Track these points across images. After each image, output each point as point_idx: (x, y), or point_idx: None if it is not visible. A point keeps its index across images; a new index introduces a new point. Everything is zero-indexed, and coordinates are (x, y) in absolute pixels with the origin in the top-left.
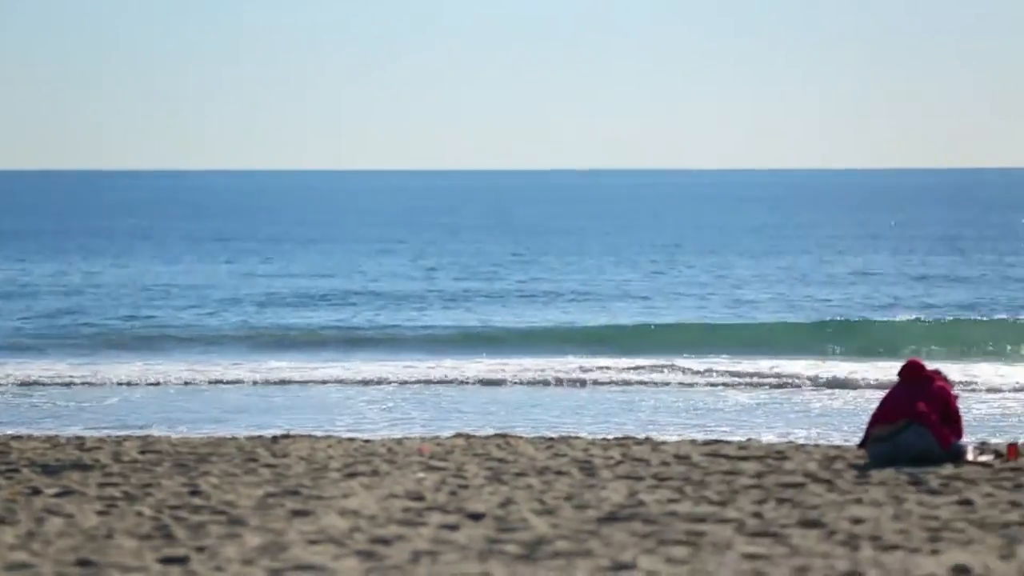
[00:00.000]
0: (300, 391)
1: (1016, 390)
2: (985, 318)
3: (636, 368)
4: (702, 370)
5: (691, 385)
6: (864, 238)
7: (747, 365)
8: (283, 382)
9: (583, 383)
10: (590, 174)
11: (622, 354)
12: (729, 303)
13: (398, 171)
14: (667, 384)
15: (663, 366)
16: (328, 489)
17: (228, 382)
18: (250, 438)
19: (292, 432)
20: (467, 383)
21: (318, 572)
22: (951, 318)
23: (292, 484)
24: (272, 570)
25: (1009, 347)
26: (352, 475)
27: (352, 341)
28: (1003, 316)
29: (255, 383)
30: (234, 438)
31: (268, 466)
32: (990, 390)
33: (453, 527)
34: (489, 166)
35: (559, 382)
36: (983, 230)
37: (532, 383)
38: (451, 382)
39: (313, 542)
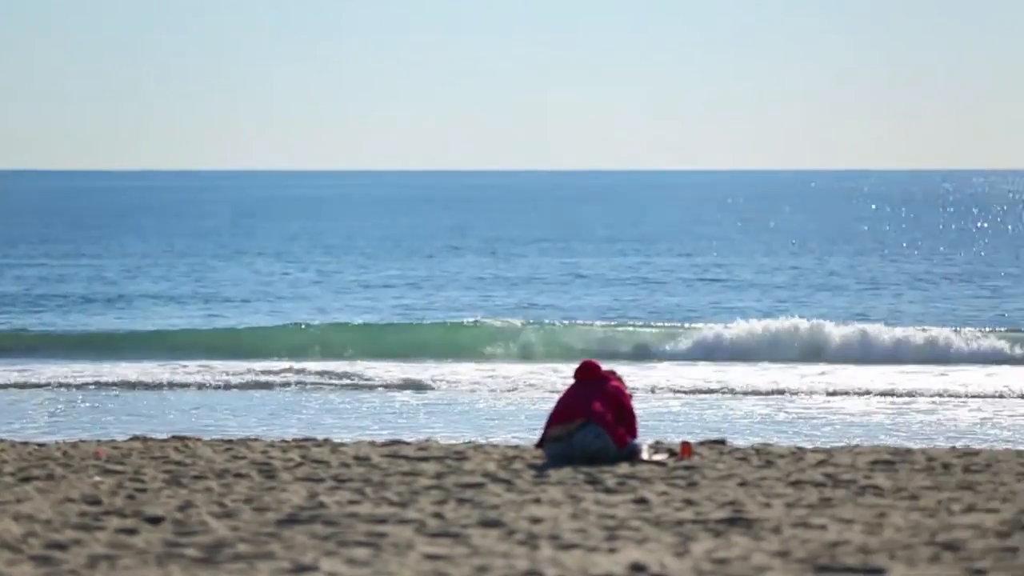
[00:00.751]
0: None
1: (683, 392)
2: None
3: (298, 371)
4: (365, 373)
5: (356, 387)
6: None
7: (408, 367)
8: None
9: (253, 385)
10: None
11: (281, 356)
12: (393, 304)
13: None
14: (332, 386)
15: (326, 371)
16: (1, 494)
17: None
18: None
19: None
20: (138, 386)
21: None
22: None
23: None
24: None
25: (638, 348)
26: (26, 479)
27: (15, 343)
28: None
29: None
30: None
31: None
32: (659, 390)
33: (131, 531)
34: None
35: (238, 385)
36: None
37: (201, 386)
38: (123, 385)
39: None
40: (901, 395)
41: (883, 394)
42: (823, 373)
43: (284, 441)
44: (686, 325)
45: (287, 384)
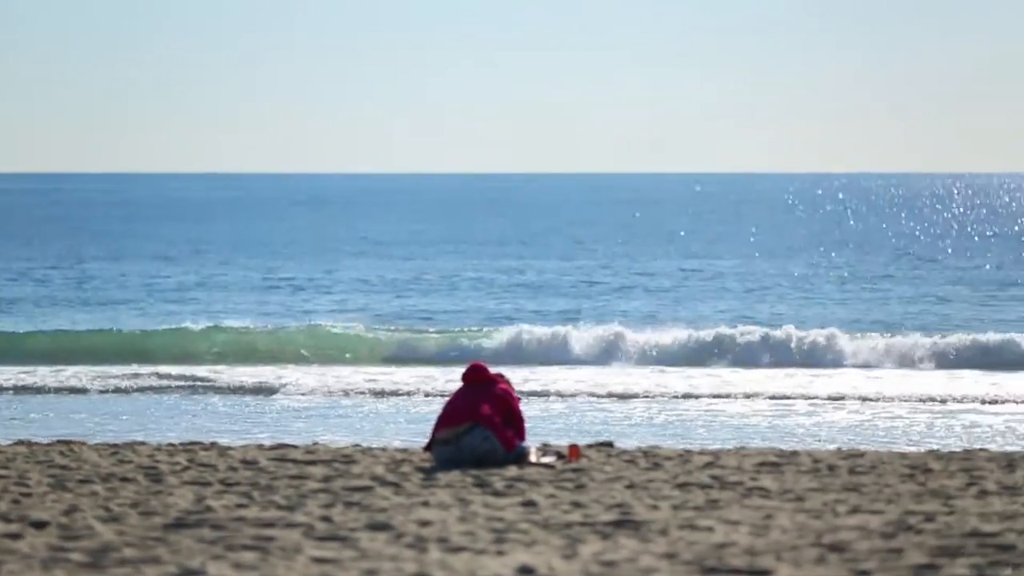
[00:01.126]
0: None
1: (570, 395)
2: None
3: (179, 375)
4: (246, 376)
5: (239, 391)
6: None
7: (290, 371)
8: None
9: (136, 389)
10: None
11: (164, 360)
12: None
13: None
14: (214, 389)
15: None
16: None
17: None
18: None
19: None
20: (21, 389)
21: None
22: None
23: None
24: None
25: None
26: None
27: None
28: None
29: None
30: None
31: None
32: (547, 393)
33: (16, 536)
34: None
35: (121, 389)
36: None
37: (85, 390)
38: (5, 388)
39: None
40: (783, 398)
41: (758, 397)
42: (709, 376)
43: (171, 445)
44: (570, 328)
45: (170, 388)
